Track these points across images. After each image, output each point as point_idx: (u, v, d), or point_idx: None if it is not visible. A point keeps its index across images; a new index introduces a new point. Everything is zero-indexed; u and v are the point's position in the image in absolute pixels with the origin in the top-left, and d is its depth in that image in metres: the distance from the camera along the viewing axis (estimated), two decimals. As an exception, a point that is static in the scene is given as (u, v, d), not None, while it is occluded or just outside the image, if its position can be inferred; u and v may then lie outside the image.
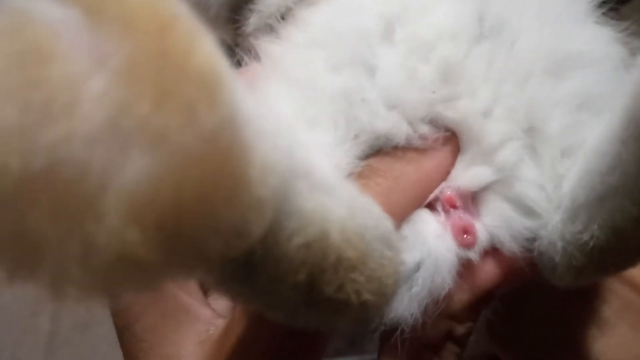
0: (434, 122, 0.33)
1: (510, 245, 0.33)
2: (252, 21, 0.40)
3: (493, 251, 0.33)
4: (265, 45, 0.36)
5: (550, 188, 0.32)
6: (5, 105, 0.14)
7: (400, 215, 0.31)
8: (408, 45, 0.33)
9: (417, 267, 0.32)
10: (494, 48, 0.33)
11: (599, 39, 0.34)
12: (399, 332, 0.32)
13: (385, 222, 0.26)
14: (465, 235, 0.32)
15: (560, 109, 0.32)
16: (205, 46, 0.16)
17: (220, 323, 0.35)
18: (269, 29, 0.38)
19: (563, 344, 0.38)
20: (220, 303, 0.37)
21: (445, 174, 0.33)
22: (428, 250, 0.32)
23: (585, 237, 0.28)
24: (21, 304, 0.80)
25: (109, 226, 0.16)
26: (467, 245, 0.32)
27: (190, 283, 0.37)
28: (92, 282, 0.17)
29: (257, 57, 0.37)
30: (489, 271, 0.33)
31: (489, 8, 0.33)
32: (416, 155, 0.32)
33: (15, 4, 0.15)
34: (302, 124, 0.32)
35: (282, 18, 0.38)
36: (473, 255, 0.33)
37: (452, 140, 0.33)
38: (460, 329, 0.32)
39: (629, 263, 0.30)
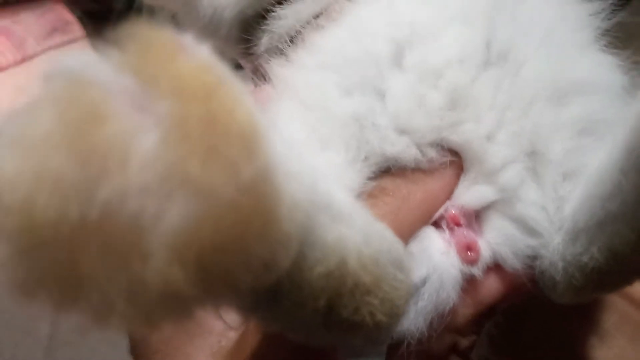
0: (440, 146, 0.34)
1: (512, 262, 0.34)
2: (264, 42, 0.41)
3: (495, 267, 0.35)
4: (277, 68, 0.37)
5: (552, 209, 0.33)
6: (66, 162, 0.16)
7: (408, 233, 0.32)
8: (417, 71, 0.34)
9: (423, 282, 0.33)
10: (500, 75, 0.34)
11: (602, 67, 0.35)
12: (405, 345, 0.33)
13: (398, 246, 0.28)
14: (469, 252, 0.34)
15: (563, 133, 0.33)
16: (245, 107, 0.17)
17: (232, 335, 0.36)
18: (279, 51, 0.39)
19: (563, 356, 0.40)
20: (232, 316, 0.38)
21: (450, 194, 0.34)
22: (434, 266, 0.33)
23: (585, 258, 0.30)
24: (20, 306, 0.81)
25: (154, 266, 0.17)
26: (471, 262, 0.34)
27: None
28: (134, 313, 0.18)
29: (268, 79, 0.38)
30: (491, 286, 0.34)
31: (497, 34, 0.34)
32: (423, 175, 0.34)
33: (71, 68, 0.17)
34: (314, 145, 0.33)
35: (291, 41, 0.39)
36: (476, 271, 0.34)
37: (456, 161, 0.34)
38: (464, 342, 0.34)
39: (626, 282, 0.31)
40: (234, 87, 0.18)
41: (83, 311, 0.18)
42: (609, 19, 0.35)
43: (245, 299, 0.22)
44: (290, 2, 0.40)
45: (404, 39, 0.34)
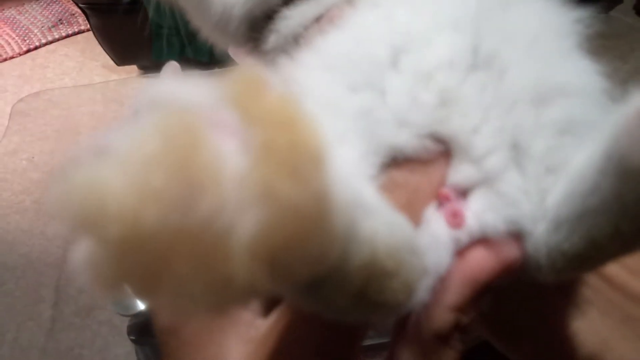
0: (435, 137, 0.37)
1: (497, 226, 0.37)
2: (271, 41, 0.44)
3: (486, 244, 0.37)
4: (286, 68, 0.40)
5: (535, 198, 0.37)
6: (169, 182, 0.19)
7: (419, 220, 0.36)
8: (411, 74, 0.37)
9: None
10: (485, 78, 0.37)
11: (582, 72, 0.38)
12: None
13: (413, 234, 0.31)
14: (454, 217, 0.37)
15: (544, 132, 0.37)
16: (318, 134, 0.21)
17: (260, 324, 0.39)
18: (286, 50, 0.42)
19: (539, 326, 0.44)
20: (256, 306, 0.41)
21: (445, 177, 0.38)
22: (428, 234, 0.36)
23: (567, 245, 0.34)
24: (23, 290, 0.82)
25: (237, 266, 0.20)
26: (457, 225, 0.37)
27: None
28: (212, 303, 0.21)
29: (276, 74, 0.40)
30: (485, 265, 0.37)
31: (484, 41, 0.38)
32: (424, 166, 0.37)
33: (175, 95, 0.20)
34: (332, 140, 0.36)
35: (297, 41, 0.42)
36: (463, 236, 0.37)
37: (448, 149, 0.37)
38: (464, 319, 0.38)
39: (602, 265, 0.36)
40: (308, 117, 0.21)
41: (164, 301, 0.22)
42: (591, 26, 0.39)
43: (295, 288, 0.25)
44: (296, 3, 0.43)
45: (400, 44, 0.38)
